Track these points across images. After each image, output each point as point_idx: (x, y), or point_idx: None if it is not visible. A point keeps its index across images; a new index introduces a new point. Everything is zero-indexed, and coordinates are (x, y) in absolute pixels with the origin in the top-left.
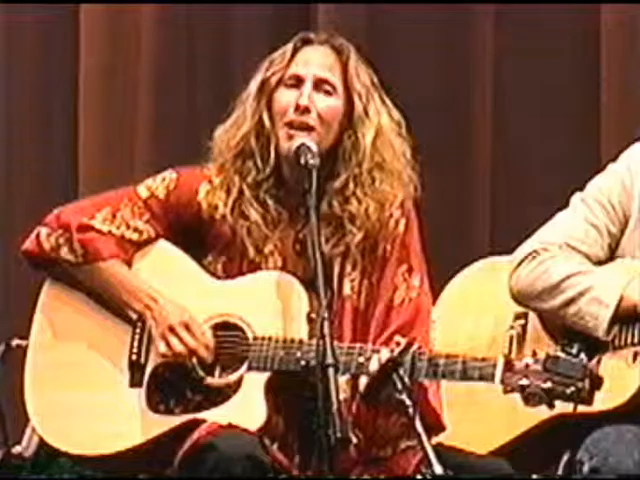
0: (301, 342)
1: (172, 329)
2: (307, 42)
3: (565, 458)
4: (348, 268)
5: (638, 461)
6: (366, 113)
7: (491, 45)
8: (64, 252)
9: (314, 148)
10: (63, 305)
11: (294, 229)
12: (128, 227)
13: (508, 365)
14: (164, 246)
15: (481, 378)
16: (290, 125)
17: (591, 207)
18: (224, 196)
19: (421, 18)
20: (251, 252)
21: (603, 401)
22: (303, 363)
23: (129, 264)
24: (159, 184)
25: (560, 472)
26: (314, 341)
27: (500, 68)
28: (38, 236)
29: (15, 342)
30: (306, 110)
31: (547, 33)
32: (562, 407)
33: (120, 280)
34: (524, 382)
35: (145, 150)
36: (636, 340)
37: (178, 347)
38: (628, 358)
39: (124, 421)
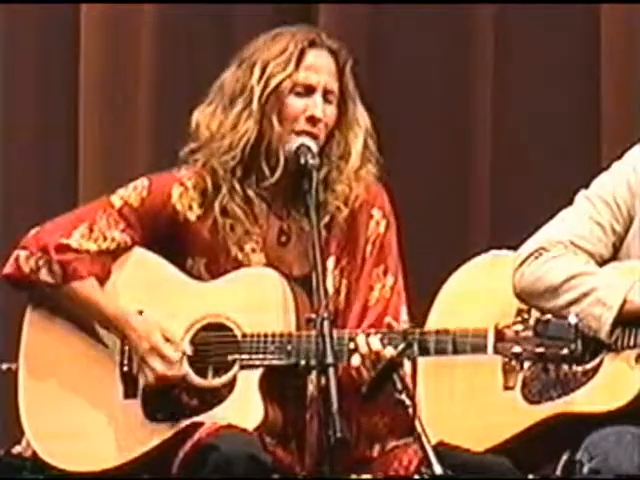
0: (290, 335)
1: (143, 360)
2: (312, 44)
3: (564, 458)
4: (330, 266)
5: (638, 463)
6: (356, 117)
7: (491, 46)
8: (43, 274)
9: (314, 148)
10: (48, 326)
11: (278, 221)
12: (105, 239)
13: (499, 335)
14: (141, 253)
15: (473, 350)
16: (299, 133)
17: (595, 205)
18: (198, 197)
19: (422, 18)
20: (233, 250)
21: (605, 402)
22: (302, 363)
23: (107, 276)
24: (132, 192)
25: (559, 472)
26: (303, 333)
27: (500, 69)
28: (17, 259)
29: (4, 366)
30: (318, 121)
31: (547, 34)
32: (562, 406)
33: (96, 302)
34: (517, 349)
35: (145, 150)
36: (639, 342)
37: (150, 378)
38: (630, 360)
39: (123, 434)
